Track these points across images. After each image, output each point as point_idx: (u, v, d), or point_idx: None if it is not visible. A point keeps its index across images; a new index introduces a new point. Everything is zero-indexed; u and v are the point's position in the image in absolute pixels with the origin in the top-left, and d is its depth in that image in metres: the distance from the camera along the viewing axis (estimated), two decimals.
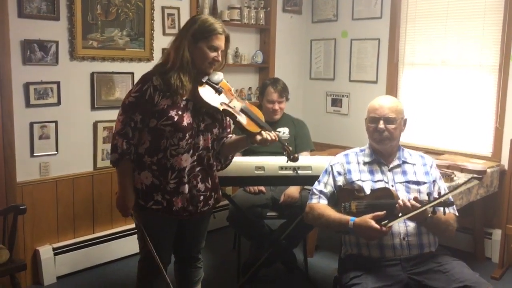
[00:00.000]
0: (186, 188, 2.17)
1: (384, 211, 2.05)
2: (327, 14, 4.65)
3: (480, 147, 3.80)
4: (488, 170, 3.44)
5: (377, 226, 2.02)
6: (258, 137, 2.14)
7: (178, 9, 3.76)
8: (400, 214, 2.06)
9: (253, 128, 2.16)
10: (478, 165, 3.46)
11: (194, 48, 2.14)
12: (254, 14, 4.33)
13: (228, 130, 2.34)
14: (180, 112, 2.12)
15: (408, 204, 2.05)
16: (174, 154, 2.13)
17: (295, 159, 2.26)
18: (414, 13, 4.09)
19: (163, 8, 3.67)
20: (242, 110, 2.19)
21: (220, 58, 2.18)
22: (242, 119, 2.16)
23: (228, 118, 2.27)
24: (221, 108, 2.14)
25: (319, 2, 4.71)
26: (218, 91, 2.18)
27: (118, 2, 3.39)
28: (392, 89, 4.22)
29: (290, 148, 2.26)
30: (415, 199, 2.08)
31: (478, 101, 3.79)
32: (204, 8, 3.96)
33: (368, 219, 2.05)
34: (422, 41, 4.07)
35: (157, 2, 3.61)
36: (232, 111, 2.16)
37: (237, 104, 2.20)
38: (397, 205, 2.08)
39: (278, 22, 4.52)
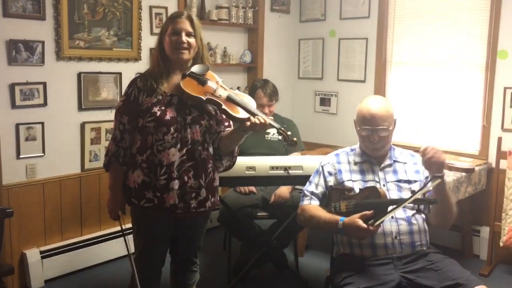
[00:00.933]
0: (176, 184, 2.15)
1: (372, 211, 2.05)
2: (315, 14, 4.66)
3: (468, 145, 3.83)
4: (476, 168, 3.47)
5: (364, 225, 2.02)
6: (248, 123, 2.12)
7: (166, 8, 3.73)
8: (389, 209, 2.06)
9: (241, 114, 2.15)
10: (466, 163, 3.49)
11: (164, 43, 2.19)
12: (242, 13, 4.32)
13: (226, 123, 2.32)
14: (163, 108, 2.14)
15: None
16: (161, 149, 2.14)
17: (293, 143, 2.22)
18: (402, 13, 4.11)
19: (150, 8, 3.64)
20: (228, 98, 2.17)
21: (184, 39, 2.16)
22: (228, 106, 2.15)
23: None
24: (204, 98, 2.14)
25: (307, 1, 4.71)
26: (202, 82, 2.18)
27: (105, 2, 3.35)
28: (380, 88, 4.24)
29: (288, 133, 2.21)
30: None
31: (466, 100, 3.83)
32: (192, 7, 3.94)
33: (356, 218, 2.05)
34: (409, 40, 4.09)
35: (144, 2, 3.58)
36: (217, 100, 2.15)
37: (223, 93, 2.19)
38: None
39: (266, 22, 4.52)
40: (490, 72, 3.64)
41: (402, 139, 4.10)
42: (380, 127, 2.23)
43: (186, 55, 2.18)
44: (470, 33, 3.75)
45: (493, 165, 3.58)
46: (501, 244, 3.40)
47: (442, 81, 3.93)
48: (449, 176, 3.24)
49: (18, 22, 2.98)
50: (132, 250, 2.34)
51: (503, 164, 3.47)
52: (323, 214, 2.22)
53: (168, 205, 2.17)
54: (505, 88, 3.56)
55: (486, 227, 3.65)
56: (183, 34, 2.15)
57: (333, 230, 2.17)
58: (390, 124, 2.27)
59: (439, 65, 3.93)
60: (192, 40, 2.18)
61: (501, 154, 3.46)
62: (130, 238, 2.38)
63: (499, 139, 3.45)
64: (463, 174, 3.34)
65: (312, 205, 2.30)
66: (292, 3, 4.75)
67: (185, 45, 2.16)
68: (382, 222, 2.05)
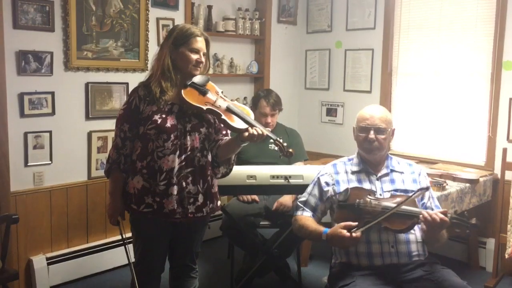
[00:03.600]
0: (175, 189, 2.20)
1: (357, 222, 2.07)
2: (322, 25, 4.69)
3: (473, 156, 3.81)
4: (481, 179, 3.45)
5: (347, 234, 2.04)
6: (246, 134, 2.18)
7: (173, 20, 3.80)
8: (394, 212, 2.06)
9: (239, 124, 2.20)
10: (470, 174, 3.48)
11: (177, 54, 2.25)
12: (249, 25, 4.37)
13: (224, 132, 2.37)
14: (163, 116, 2.21)
15: (436, 217, 2.04)
16: (161, 155, 2.20)
17: (289, 154, 2.24)
18: (407, 24, 4.13)
19: (157, 19, 3.70)
20: (227, 109, 2.23)
21: (203, 60, 2.27)
22: (227, 117, 2.20)
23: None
24: (205, 107, 2.19)
25: (313, 13, 4.75)
26: (203, 92, 2.25)
27: (113, 14, 3.43)
28: (386, 98, 4.25)
29: (285, 144, 2.24)
30: (444, 212, 2.06)
31: (471, 110, 3.82)
32: (198, 19, 4.00)
33: (339, 229, 2.08)
34: (415, 51, 4.10)
35: (151, 14, 3.65)
36: (217, 110, 2.21)
37: (222, 103, 2.25)
38: (420, 215, 2.07)
39: (273, 33, 4.56)
40: (495, 83, 3.63)
41: (408, 150, 4.10)
42: (378, 126, 2.28)
43: (199, 72, 2.29)
44: (475, 44, 3.75)
45: (499, 176, 3.56)
46: (506, 256, 3.36)
47: (447, 91, 3.93)
48: (453, 187, 3.22)
49: (27, 34, 3.07)
50: (132, 258, 2.37)
51: (509, 175, 3.44)
52: (310, 223, 2.27)
53: (167, 210, 2.21)
54: (510, 99, 3.55)
55: (492, 239, 3.61)
56: (201, 54, 2.26)
57: (318, 240, 2.21)
58: (387, 127, 2.31)
59: (444, 75, 3.93)
60: (204, 59, 2.29)
61: (506, 165, 3.43)
62: (130, 247, 2.40)
63: (504, 150, 3.43)
64: (467, 185, 3.32)
65: (303, 216, 2.35)
66: (298, 15, 4.80)
67: (202, 65, 2.28)
68: (365, 230, 2.07)
